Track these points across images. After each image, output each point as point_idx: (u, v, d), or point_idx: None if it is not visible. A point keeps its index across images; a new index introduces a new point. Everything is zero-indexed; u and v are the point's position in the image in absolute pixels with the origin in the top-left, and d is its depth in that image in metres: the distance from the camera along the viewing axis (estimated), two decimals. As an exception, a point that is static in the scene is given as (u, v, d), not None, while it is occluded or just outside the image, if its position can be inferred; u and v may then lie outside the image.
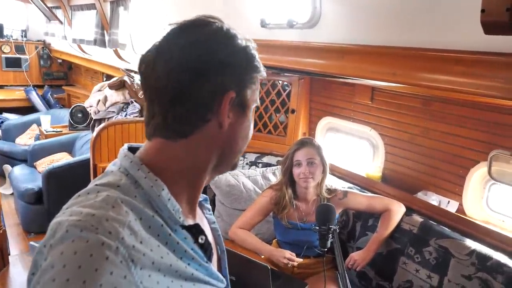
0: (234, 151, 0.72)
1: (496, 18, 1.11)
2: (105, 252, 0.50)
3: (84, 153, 3.84)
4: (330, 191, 2.11)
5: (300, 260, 1.91)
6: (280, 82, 2.85)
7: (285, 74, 2.73)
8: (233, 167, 0.75)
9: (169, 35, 0.67)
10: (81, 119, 4.59)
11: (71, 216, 0.54)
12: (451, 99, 1.96)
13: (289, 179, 2.09)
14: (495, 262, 1.69)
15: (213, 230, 0.82)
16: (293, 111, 2.85)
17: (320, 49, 1.88)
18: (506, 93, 1.27)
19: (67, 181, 3.25)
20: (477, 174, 1.96)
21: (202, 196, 0.79)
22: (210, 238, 0.77)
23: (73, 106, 4.67)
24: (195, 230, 0.67)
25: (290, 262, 1.88)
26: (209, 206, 0.84)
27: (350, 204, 2.11)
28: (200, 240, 0.67)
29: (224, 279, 0.72)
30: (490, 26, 1.15)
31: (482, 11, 1.12)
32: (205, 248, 0.67)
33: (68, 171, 3.41)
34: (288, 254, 1.91)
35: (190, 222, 0.69)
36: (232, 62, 0.65)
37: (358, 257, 1.95)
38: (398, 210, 2.04)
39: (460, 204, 2.03)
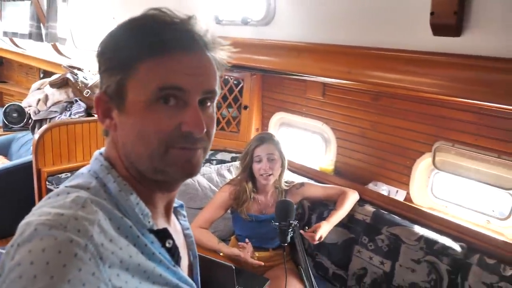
0: (134, 155, 0.65)
1: (445, 21, 1.19)
2: (73, 249, 0.50)
3: (22, 156, 3.54)
4: (287, 182, 2.17)
5: (251, 249, 1.92)
6: (232, 78, 2.84)
7: (237, 70, 2.72)
8: (162, 173, 0.65)
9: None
10: (16, 119, 4.23)
11: (40, 216, 0.53)
12: (398, 94, 2.06)
13: (249, 175, 2.10)
14: (441, 246, 1.82)
15: (186, 236, 0.82)
16: (245, 107, 2.86)
17: (275, 46, 1.88)
18: (450, 90, 1.37)
19: (6, 187, 2.96)
20: (423, 165, 2.09)
21: (178, 202, 0.81)
22: (182, 243, 0.78)
23: (7, 105, 4.29)
24: (163, 234, 0.67)
25: (249, 258, 1.88)
26: (185, 213, 0.84)
27: (307, 193, 2.19)
28: (167, 244, 0.67)
29: (194, 284, 0.73)
30: (438, 28, 1.22)
31: (432, 13, 1.20)
32: (172, 253, 0.68)
33: (5, 177, 3.13)
34: (237, 251, 1.88)
35: (161, 226, 0.69)
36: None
37: (319, 225, 1.94)
38: (353, 193, 2.13)
39: (408, 193, 2.16)
